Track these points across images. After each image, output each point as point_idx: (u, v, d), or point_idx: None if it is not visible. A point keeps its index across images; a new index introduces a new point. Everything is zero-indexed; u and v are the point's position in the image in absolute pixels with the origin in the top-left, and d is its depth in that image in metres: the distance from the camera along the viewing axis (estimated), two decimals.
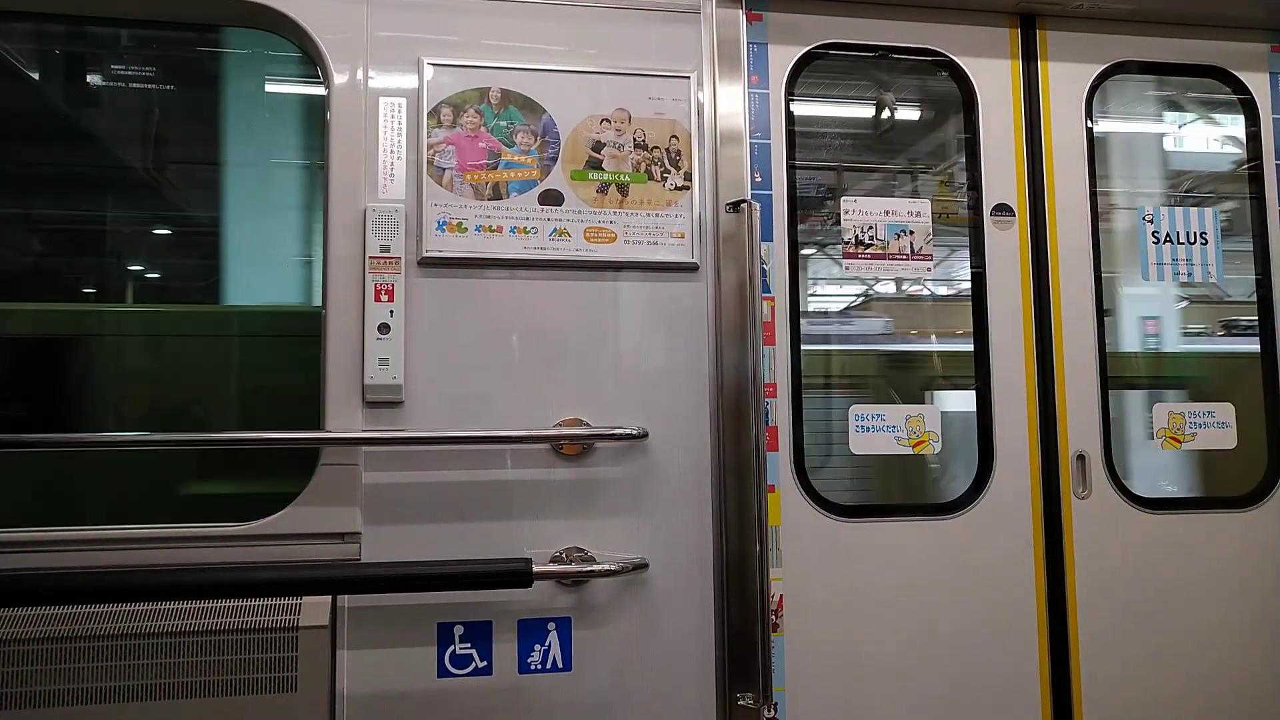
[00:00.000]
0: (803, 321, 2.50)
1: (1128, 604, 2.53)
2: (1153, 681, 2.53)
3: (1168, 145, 3.20)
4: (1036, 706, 2.47)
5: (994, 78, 2.65)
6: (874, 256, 2.55)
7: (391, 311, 2.20)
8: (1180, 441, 2.64)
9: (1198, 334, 3.37)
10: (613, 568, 2.22)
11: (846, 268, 2.55)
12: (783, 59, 2.54)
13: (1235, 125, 2.86)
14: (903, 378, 3.17)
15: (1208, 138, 3.12)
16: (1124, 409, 2.79)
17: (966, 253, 2.63)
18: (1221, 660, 2.57)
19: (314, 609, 2.10)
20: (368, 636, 2.15)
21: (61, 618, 2.02)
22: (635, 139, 2.37)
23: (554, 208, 2.32)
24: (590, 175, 2.35)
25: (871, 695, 2.40)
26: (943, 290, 3.29)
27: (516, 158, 2.32)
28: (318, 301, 2.27)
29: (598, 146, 2.36)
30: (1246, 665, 2.58)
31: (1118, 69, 2.73)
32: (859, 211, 2.56)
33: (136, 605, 2.04)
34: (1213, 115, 3.03)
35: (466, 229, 2.27)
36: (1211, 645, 2.56)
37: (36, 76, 2.99)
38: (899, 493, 3.00)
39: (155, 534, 2.12)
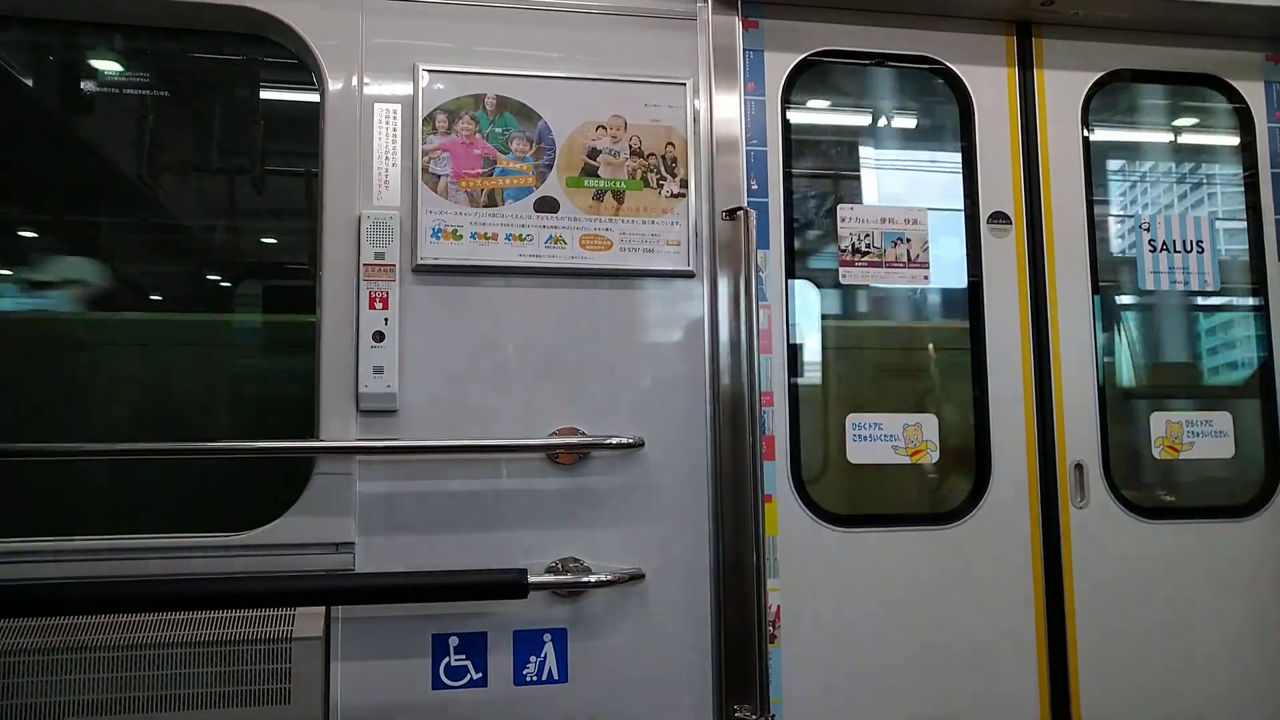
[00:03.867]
0: None
1: (1126, 613, 2.53)
2: (1152, 692, 2.52)
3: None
4: (1036, 717, 2.46)
5: (990, 85, 2.64)
6: (871, 265, 2.54)
7: (386, 319, 2.19)
8: (1178, 450, 2.64)
9: None
10: (608, 578, 2.20)
11: (843, 276, 2.54)
12: (779, 66, 2.53)
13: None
14: None
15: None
16: None
17: None
18: (1221, 669, 2.56)
19: (307, 620, 2.08)
20: (362, 648, 2.13)
21: (52, 629, 1.99)
22: (631, 146, 2.36)
23: (549, 215, 2.31)
24: (586, 182, 2.34)
25: (869, 707, 2.39)
26: None
27: (512, 164, 2.31)
28: None
29: (594, 153, 2.35)
30: (1246, 674, 2.57)
31: (1113, 77, 2.74)
32: (855, 219, 2.55)
33: (128, 616, 2.02)
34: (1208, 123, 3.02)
35: (461, 236, 2.26)
36: (1211, 654, 2.56)
37: None
38: None
39: (146, 544, 2.10)
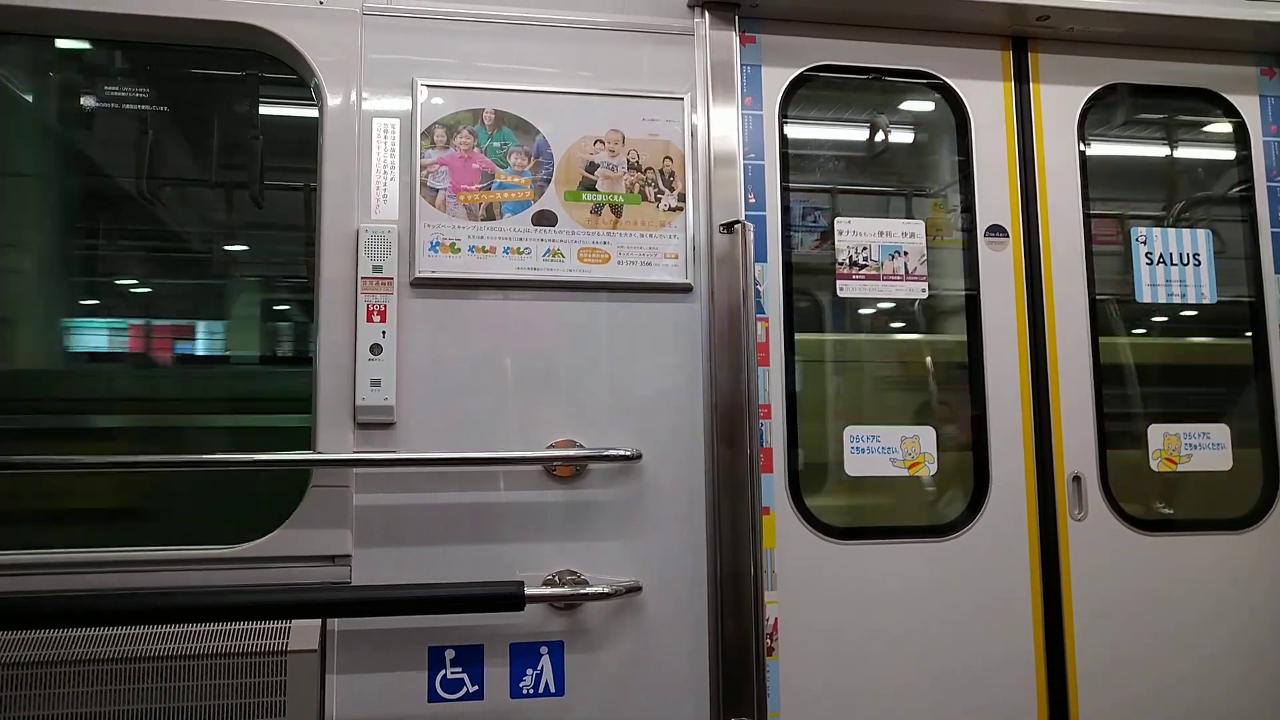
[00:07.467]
0: None
1: (1125, 625, 2.51)
2: (1152, 705, 2.50)
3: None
4: None
5: (987, 100, 2.66)
6: (868, 278, 2.55)
7: (384, 332, 2.20)
8: (1176, 463, 2.63)
9: None
10: (606, 591, 2.20)
11: (841, 289, 2.55)
12: (776, 81, 2.55)
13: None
14: None
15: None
16: None
17: None
18: (1221, 682, 2.54)
19: (303, 632, 2.08)
20: (357, 660, 2.13)
21: (45, 642, 1.99)
22: (629, 160, 2.37)
23: (547, 228, 2.32)
24: (584, 196, 2.35)
25: (867, 719, 2.38)
26: None
27: (510, 178, 2.32)
28: None
29: (591, 167, 2.36)
30: (1246, 687, 2.56)
31: (1109, 91, 2.75)
32: (853, 233, 2.56)
33: (123, 629, 2.02)
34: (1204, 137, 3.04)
35: (459, 250, 2.27)
36: (1210, 667, 2.54)
37: None
38: None
39: (142, 557, 2.10)
